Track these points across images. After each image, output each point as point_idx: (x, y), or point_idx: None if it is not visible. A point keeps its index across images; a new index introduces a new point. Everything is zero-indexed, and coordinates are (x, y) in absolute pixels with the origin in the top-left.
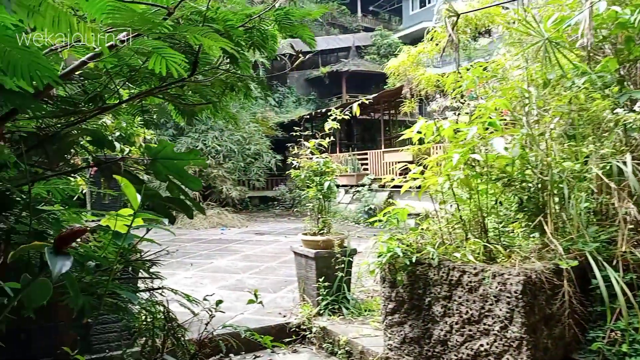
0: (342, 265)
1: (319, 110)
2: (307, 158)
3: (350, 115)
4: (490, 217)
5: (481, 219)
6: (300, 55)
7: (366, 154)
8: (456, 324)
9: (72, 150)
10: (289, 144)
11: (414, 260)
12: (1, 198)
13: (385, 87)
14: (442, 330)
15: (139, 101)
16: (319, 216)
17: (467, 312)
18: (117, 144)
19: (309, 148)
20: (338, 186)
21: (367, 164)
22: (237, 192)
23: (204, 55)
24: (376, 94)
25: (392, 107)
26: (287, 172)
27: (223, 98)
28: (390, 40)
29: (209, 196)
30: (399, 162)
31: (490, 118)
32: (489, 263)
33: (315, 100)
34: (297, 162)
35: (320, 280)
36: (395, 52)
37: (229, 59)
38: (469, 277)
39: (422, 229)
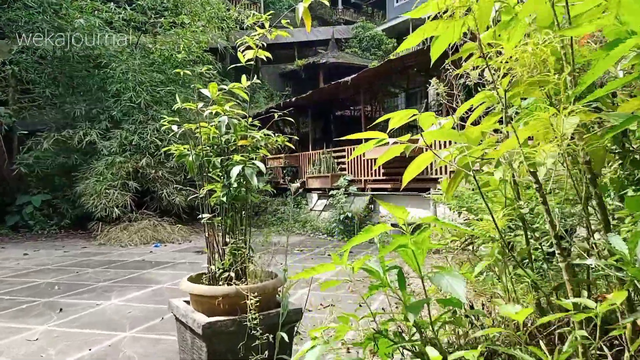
0: (267, 350)
1: (287, 100)
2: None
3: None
4: None
5: None
6: None
7: (343, 150)
8: None
9: None
10: None
11: None
12: None
13: None
14: None
15: None
16: (226, 240)
17: None
18: None
19: (209, 99)
20: (307, 188)
21: (344, 163)
22: (182, 198)
23: None
24: (356, 74)
25: (375, 98)
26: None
27: None
28: (374, 32)
29: (145, 203)
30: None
31: None
32: None
33: (289, 96)
34: (183, 129)
35: None
36: (379, 46)
37: None
38: None
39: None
